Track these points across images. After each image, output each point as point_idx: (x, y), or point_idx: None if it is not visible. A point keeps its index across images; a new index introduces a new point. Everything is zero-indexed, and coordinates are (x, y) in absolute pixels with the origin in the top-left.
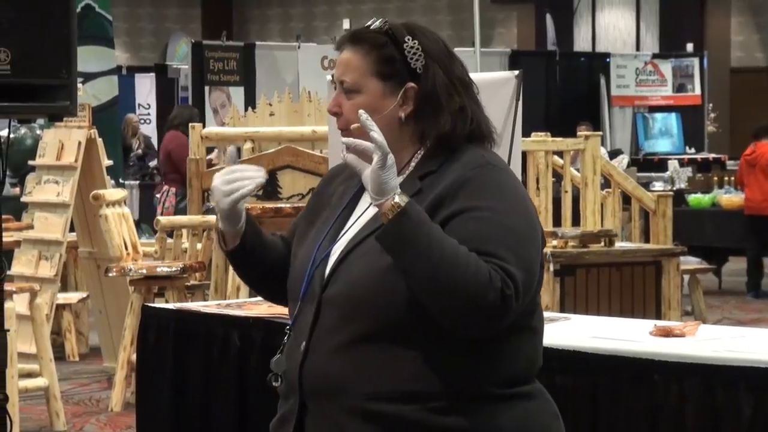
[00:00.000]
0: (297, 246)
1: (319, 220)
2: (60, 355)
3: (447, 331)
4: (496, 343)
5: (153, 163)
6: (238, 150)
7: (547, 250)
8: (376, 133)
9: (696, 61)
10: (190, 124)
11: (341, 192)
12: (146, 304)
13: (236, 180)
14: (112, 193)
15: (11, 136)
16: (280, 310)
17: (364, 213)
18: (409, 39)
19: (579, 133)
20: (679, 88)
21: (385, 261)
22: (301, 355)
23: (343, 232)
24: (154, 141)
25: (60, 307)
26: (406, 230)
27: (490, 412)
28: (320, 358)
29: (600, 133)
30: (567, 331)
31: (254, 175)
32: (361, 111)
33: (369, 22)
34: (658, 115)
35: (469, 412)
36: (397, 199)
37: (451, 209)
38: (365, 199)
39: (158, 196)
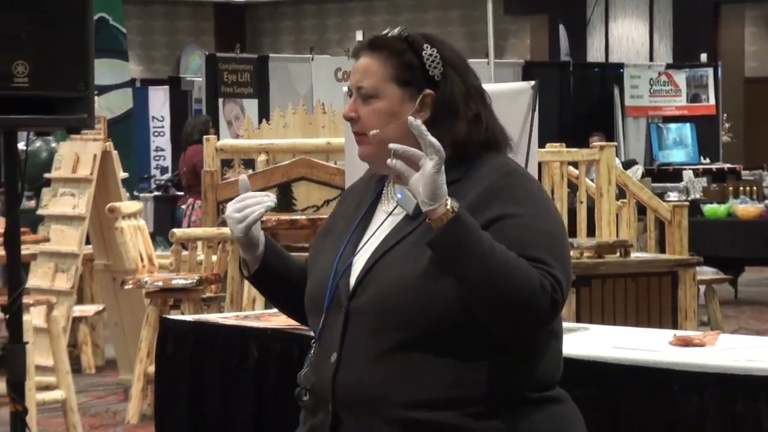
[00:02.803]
0: (313, 260)
1: (334, 233)
2: (76, 367)
3: (483, 335)
4: (527, 347)
5: (167, 176)
6: (252, 161)
7: None
8: (431, 137)
9: (710, 71)
10: (204, 137)
11: (356, 204)
12: (164, 316)
13: (247, 207)
14: (127, 205)
15: (27, 149)
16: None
17: (384, 222)
18: (427, 47)
19: (592, 144)
20: (694, 98)
21: (416, 268)
22: (332, 367)
23: (363, 242)
24: (168, 153)
25: (76, 320)
26: (460, 236)
27: (526, 415)
28: (354, 369)
29: (615, 143)
30: (586, 341)
31: (263, 200)
32: (410, 117)
33: (386, 31)
34: (673, 126)
35: (506, 416)
36: (449, 204)
37: (487, 217)
38: (382, 209)
39: (183, 207)
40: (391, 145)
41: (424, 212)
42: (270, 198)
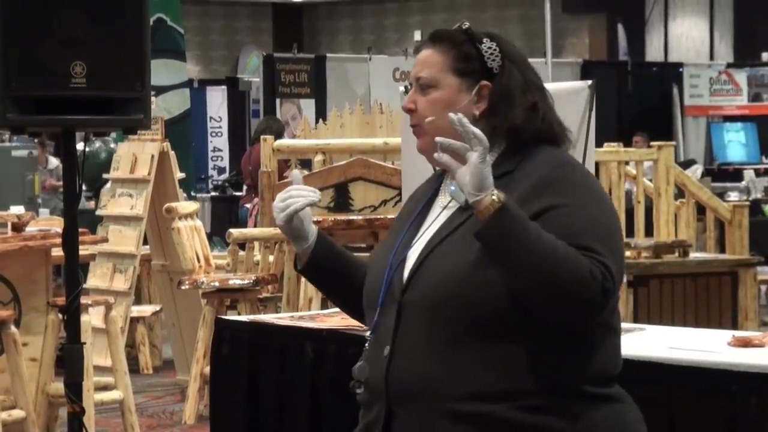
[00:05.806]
0: (372, 260)
1: (393, 233)
2: (134, 367)
3: (535, 326)
4: (582, 340)
5: (224, 177)
6: (309, 161)
7: None
8: (473, 128)
9: None
10: (261, 137)
11: (415, 203)
12: (219, 316)
13: (290, 197)
14: (184, 206)
15: (86, 149)
16: (354, 322)
17: (438, 217)
18: (487, 40)
19: (635, 142)
20: (755, 97)
21: (466, 260)
22: (385, 361)
23: (417, 236)
24: (226, 154)
25: (134, 320)
26: (507, 226)
27: (583, 411)
28: (407, 362)
29: (673, 143)
30: (642, 341)
31: (308, 194)
32: (450, 114)
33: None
34: (733, 125)
35: (562, 410)
36: (495, 195)
37: (536, 208)
38: (438, 205)
39: (248, 207)
40: (437, 139)
41: (471, 203)
42: (316, 194)
